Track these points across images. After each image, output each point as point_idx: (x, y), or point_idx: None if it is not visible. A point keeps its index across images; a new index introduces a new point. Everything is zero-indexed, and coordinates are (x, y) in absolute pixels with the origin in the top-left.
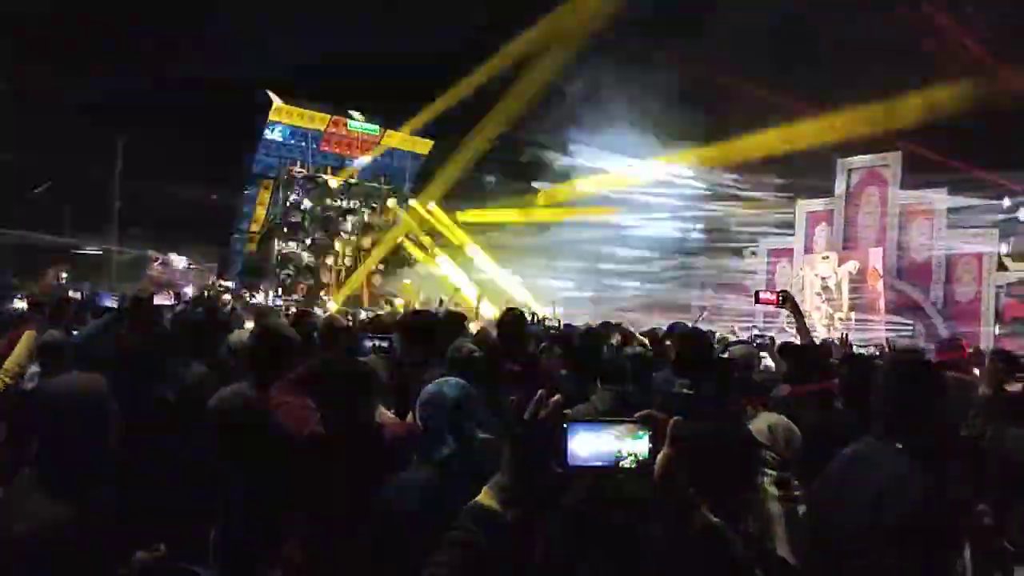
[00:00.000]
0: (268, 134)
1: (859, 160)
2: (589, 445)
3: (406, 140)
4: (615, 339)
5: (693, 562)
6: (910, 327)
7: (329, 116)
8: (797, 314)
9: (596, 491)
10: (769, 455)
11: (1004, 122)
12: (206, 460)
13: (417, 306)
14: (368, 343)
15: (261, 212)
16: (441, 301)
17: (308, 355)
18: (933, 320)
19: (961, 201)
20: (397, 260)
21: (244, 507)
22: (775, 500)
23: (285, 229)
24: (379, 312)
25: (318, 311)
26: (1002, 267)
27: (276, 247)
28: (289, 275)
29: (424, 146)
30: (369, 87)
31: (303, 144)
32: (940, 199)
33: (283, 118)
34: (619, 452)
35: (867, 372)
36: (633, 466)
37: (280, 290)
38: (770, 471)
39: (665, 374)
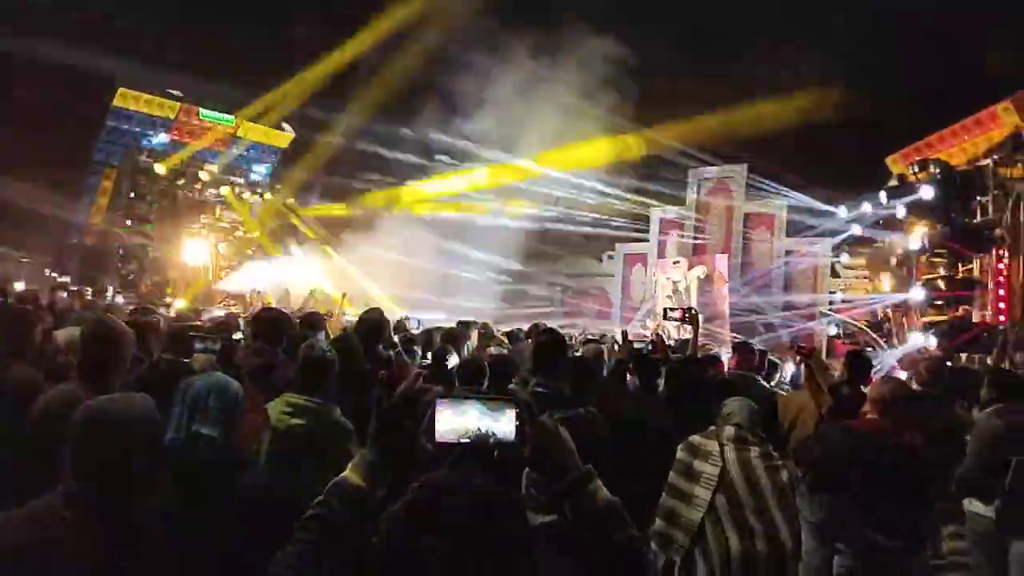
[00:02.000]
0: (112, 121)
1: (709, 171)
2: (455, 422)
3: (263, 132)
4: (472, 338)
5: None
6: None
7: (179, 104)
8: (695, 329)
9: (439, 478)
10: None
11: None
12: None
13: (273, 304)
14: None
15: (103, 202)
16: (311, 293)
17: (147, 354)
18: (773, 323)
19: (799, 213)
20: (251, 257)
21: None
22: None
23: (129, 222)
24: (231, 310)
25: (162, 309)
26: (835, 274)
27: (118, 241)
28: (133, 271)
29: (283, 139)
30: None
31: (150, 132)
32: (780, 209)
33: (129, 104)
34: (485, 429)
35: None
36: (497, 443)
37: (122, 286)
38: None
39: (522, 374)
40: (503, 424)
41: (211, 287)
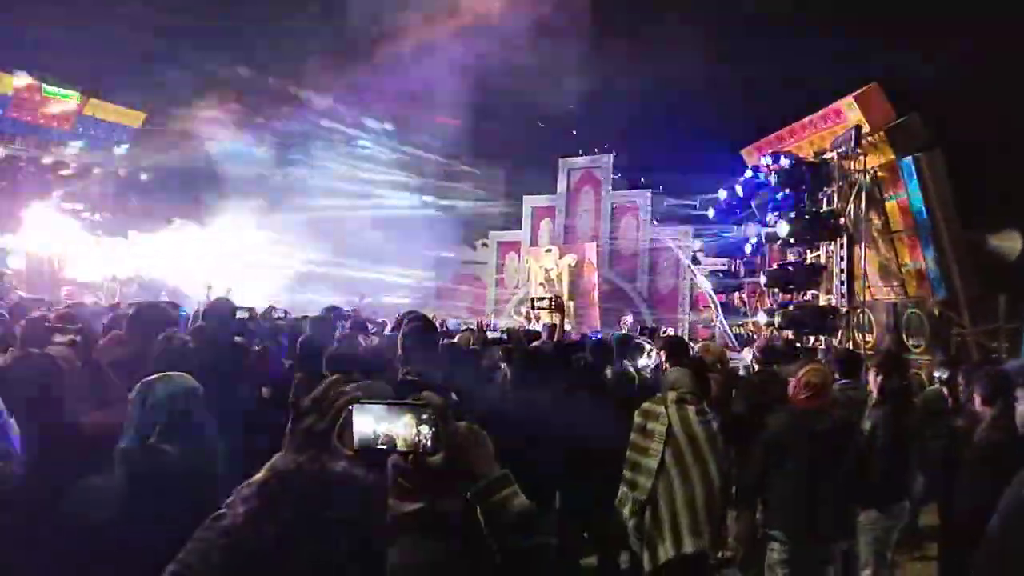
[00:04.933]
0: None
1: (577, 161)
2: (371, 427)
3: (113, 111)
4: (344, 327)
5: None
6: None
7: (19, 79)
8: (562, 317)
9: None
10: None
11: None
12: None
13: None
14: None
15: None
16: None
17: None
18: (639, 308)
19: (662, 201)
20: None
21: None
22: None
23: None
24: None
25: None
26: (696, 261)
27: None
28: None
29: (135, 118)
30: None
31: None
32: (644, 199)
33: None
34: (400, 434)
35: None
36: (411, 448)
37: None
38: None
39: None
40: (419, 429)
41: (57, 275)
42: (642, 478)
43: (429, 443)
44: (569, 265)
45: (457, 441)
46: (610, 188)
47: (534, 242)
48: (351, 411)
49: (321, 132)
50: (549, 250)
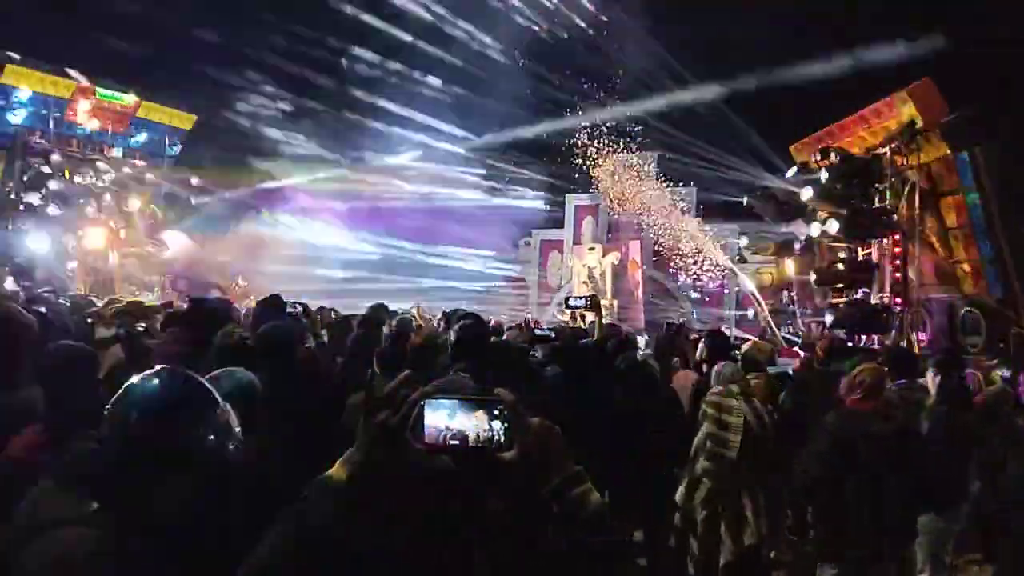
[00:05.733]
0: (2, 100)
1: (622, 159)
2: (442, 423)
3: (166, 113)
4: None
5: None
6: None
7: (76, 83)
8: (599, 315)
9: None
10: None
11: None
12: None
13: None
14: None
15: None
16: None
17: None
18: (682, 305)
19: (709, 198)
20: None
21: None
22: None
23: (22, 207)
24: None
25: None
26: (742, 259)
27: (11, 227)
28: (27, 258)
29: (186, 120)
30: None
31: (45, 112)
32: (689, 196)
33: (21, 82)
34: (472, 430)
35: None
36: (485, 444)
37: (15, 275)
38: None
39: (443, 359)
40: (491, 425)
41: (111, 274)
42: (721, 468)
43: (502, 438)
44: (612, 263)
45: (531, 437)
46: (654, 186)
47: (577, 240)
48: (423, 406)
49: (380, 131)
50: (592, 248)
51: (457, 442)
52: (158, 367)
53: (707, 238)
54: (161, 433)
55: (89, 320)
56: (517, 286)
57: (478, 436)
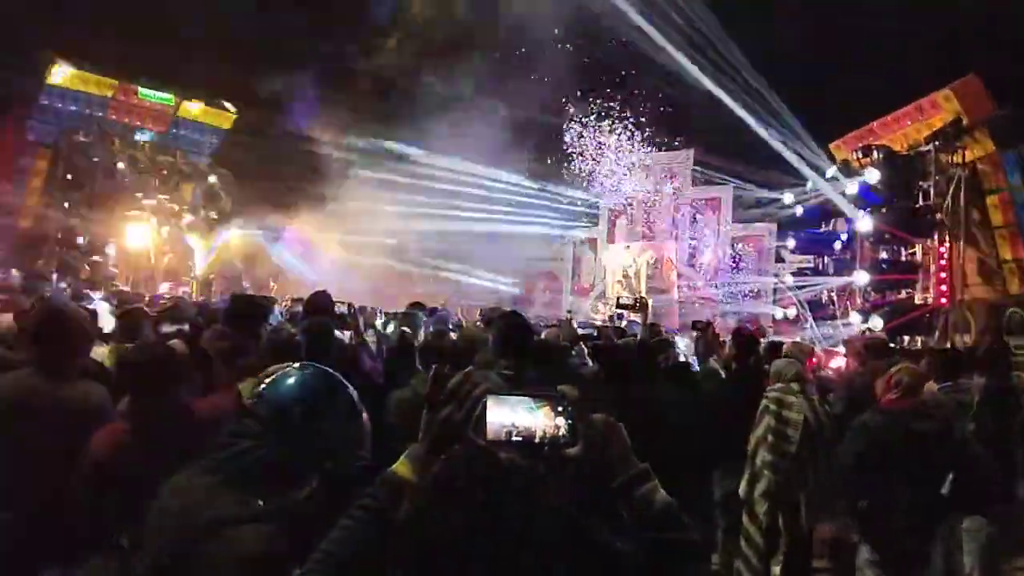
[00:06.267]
0: (47, 99)
1: (657, 157)
2: (506, 419)
3: (205, 112)
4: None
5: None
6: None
7: (117, 82)
8: (645, 316)
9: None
10: None
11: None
12: None
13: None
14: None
15: (39, 184)
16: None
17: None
18: (719, 306)
19: (746, 196)
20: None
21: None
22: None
23: (67, 204)
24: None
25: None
26: (780, 259)
27: (55, 223)
28: (71, 255)
29: (226, 119)
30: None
31: (87, 111)
32: (726, 194)
33: (65, 82)
34: (536, 426)
35: None
36: (549, 440)
37: (60, 270)
38: None
39: (483, 356)
40: (555, 421)
41: (153, 271)
42: (782, 462)
43: (567, 435)
44: (647, 262)
45: (596, 434)
46: (689, 184)
47: (611, 239)
48: (486, 402)
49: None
50: (627, 247)
51: (521, 438)
52: (300, 364)
53: (743, 236)
54: (318, 429)
55: (150, 316)
56: (551, 283)
57: (543, 432)
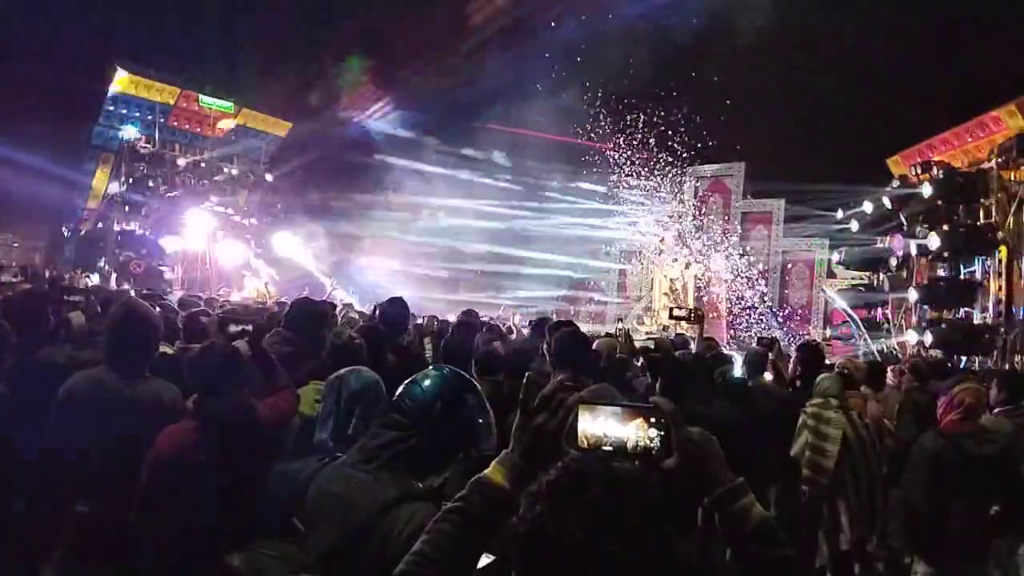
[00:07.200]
0: (110, 106)
1: (706, 169)
2: (598, 428)
3: (263, 120)
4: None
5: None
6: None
7: (179, 89)
8: (700, 329)
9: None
10: None
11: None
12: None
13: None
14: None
15: (100, 188)
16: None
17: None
18: (768, 321)
19: (797, 210)
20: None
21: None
22: None
23: (127, 208)
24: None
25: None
26: (832, 274)
27: (116, 226)
28: (131, 256)
29: (282, 127)
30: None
31: (149, 118)
32: (778, 208)
33: (128, 89)
34: (628, 437)
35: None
36: (642, 451)
37: (120, 272)
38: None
39: (537, 365)
40: (648, 432)
41: (209, 275)
42: (819, 476)
43: (660, 446)
44: (695, 276)
45: (691, 448)
46: (740, 197)
47: (659, 251)
48: (577, 412)
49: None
50: (675, 260)
51: (612, 448)
52: (438, 366)
53: (793, 251)
54: (457, 420)
55: (216, 316)
56: (595, 294)
57: (636, 443)
